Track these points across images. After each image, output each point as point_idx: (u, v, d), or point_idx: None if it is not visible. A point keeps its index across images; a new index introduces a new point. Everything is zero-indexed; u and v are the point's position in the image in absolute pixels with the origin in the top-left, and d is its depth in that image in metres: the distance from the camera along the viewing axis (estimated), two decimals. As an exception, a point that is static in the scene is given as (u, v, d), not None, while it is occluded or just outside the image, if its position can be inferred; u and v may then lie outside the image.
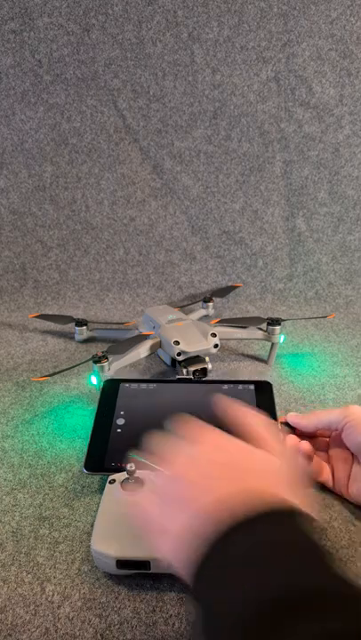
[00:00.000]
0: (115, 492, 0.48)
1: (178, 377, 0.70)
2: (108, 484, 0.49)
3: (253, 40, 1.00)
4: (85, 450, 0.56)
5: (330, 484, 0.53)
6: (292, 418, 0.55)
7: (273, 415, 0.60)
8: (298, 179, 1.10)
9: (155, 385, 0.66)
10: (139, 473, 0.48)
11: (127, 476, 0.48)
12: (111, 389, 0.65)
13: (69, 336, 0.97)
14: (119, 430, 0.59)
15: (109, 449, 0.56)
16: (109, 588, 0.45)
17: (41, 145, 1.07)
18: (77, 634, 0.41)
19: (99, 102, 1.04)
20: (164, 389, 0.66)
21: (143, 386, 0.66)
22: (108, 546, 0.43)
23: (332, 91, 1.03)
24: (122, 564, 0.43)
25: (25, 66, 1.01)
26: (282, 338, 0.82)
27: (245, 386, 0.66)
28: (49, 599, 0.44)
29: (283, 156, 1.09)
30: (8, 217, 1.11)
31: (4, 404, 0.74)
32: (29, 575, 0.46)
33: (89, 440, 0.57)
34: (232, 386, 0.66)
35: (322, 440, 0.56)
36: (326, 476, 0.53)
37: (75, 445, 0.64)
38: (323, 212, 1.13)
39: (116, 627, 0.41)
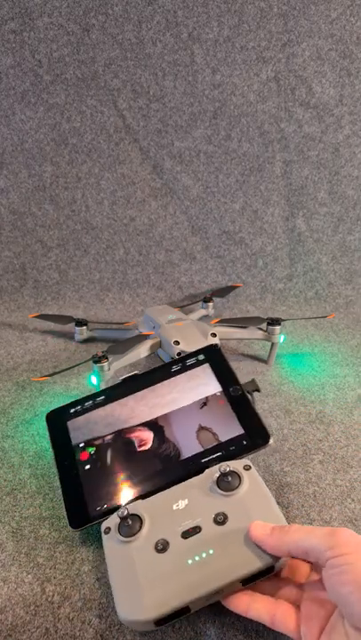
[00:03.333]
0: (115, 543, 0.42)
1: (122, 378, 0.61)
2: (104, 535, 0.44)
3: (253, 40, 1.00)
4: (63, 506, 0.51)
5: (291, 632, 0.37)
6: (257, 531, 0.39)
7: (233, 378, 0.57)
8: (298, 179, 1.10)
9: (102, 397, 0.59)
10: (132, 509, 0.44)
11: (120, 520, 0.43)
12: (58, 424, 0.58)
13: (69, 336, 0.97)
14: (87, 467, 0.53)
15: (86, 493, 0.50)
16: (110, 588, 0.45)
17: (41, 145, 1.07)
18: (77, 634, 0.41)
19: (99, 102, 1.04)
20: (114, 396, 0.59)
21: (89, 403, 0.59)
22: (139, 610, 0.37)
23: (332, 91, 1.03)
24: (161, 621, 0.38)
25: (25, 66, 1.01)
26: (282, 338, 0.82)
27: (194, 358, 0.61)
28: (49, 599, 0.44)
29: (283, 156, 1.09)
30: (8, 217, 1.11)
31: (4, 403, 0.74)
32: (29, 575, 0.46)
33: (62, 494, 0.51)
34: (180, 365, 0.60)
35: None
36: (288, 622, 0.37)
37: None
38: (323, 212, 1.13)
39: (116, 627, 0.41)
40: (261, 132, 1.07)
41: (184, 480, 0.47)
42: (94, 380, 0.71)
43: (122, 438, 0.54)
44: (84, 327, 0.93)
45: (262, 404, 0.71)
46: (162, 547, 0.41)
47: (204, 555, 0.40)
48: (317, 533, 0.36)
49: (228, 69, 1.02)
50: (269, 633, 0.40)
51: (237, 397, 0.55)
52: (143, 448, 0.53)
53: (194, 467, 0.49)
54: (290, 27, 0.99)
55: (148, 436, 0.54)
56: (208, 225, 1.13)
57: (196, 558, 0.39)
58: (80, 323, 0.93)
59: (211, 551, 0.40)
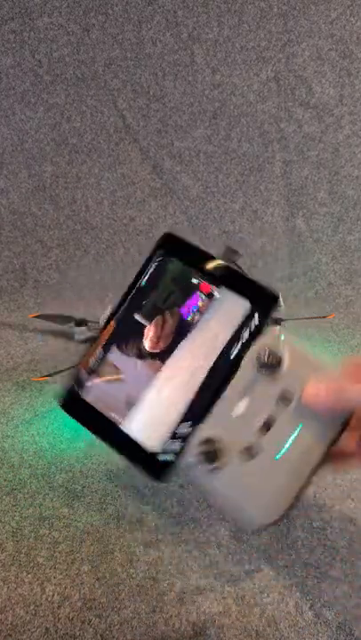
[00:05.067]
0: (203, 473, 0.39)
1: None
2: (188, 473, 0.40)
3: (253, 40, 1.00)
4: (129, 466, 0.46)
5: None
6: (311, 399, 0.38)
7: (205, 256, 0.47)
8: (298, 179, 1.10)
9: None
10: (202, 435, 0.39)
11: (197, 452, 0.39)
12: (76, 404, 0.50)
13: (69, 336, 0.97)
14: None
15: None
16: (110, 588, 0.45)
17: (41, 145, 1.07)
18: (77, 634, 0.41)
19: (99, 102, 1.04)
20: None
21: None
22: (267, 511, 0.37)
23: (332, 91, 1.03)
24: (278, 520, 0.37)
25: (25, 66, 1.01)
26: (282, 338, 0.82)
27: (155, 263, 0.48)
28: (49, 599, 0.44)
29: (283, 156, 1.09)
30: (8, 217, 1.11)
31: (3, 404, 0.74)
32: (29, 575, 0.46)
33: (126, 459, 0.45)
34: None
35: None
36: None
37: (75, 445, 0.64)
38: (323, 212, 1.13)
39: (116, 627, 0.41)
40: (261, 132, 1.07)
41: (225, 384, 0.41)
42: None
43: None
44: (84, 327, 0.93)
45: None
46: (248, 454, 0.38)
47: (288, 442, 0.37)
48: None
49: (228, 69, 1.02)
50: (270, 633, 0.40)
51: (221, 274, 0.46)
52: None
53: (226, 367, 0.43)
54: (290, 27, 0.99)
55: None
56: (208, 225, 1.13)
57: (284, 449, 0.37)
58: (80, 323, 0.93)
59: (292, 436, 0.37)
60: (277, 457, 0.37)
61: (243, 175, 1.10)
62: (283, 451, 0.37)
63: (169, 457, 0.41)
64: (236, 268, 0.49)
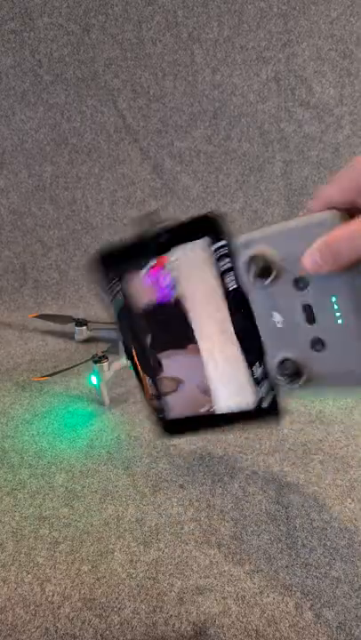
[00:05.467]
0: (304, 387, 0.37)
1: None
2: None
3: (253, 40, 1.00)
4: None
5: None
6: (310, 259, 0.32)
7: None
8: (298, 179, 1.10)
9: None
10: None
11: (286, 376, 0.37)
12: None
13: (69, 336, 0.97)
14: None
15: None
16: (110, 588, 0.45)
17: (41, 145, 1.07)
18: (77, 634, 0.41)
19: (99, 102, 1.04)
20: None
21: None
22: None
23: (332, 91, 1.03)
24: None
25: (25, 66, 1.01)
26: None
27: None
28: (49, 599, 0.44)
29: (283, 156, 1.09)
30: (8, 217, 1.11)
31: (3, 404, 0.74)
32: (29, 575, 0.46)
33: (242, 426, 0.45)
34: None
35: None
36: None
37: (75, 445, 0.64)
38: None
39: (116, 627, 0.41)
40: (261, 132, 1.07)
41: (250, 311, 0.39)
42: (94, 379, 0.71)
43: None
44: (84, 327, 0.93)
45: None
46: (318, 346, 0.36)
47: (336, 306, 0.34)
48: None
49: (228, 69, 1.02)
50: (270, 633, 0.40)
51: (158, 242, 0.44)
52: None
53: (238, 298, 0.40)
54: (290, 27, 0.99)
55: None
56: (208, 225, 1.13)
57: (337, 313, 0.34)
58: (80, 323, 0.93)
59: (334, 298, 0.34)
60: (341, 322, 0.34)
61: (243, 175, 1.10)
62: (336, 313, 0.34)
63: (269, 399, 0.42)
64: (163, 226, 0.44)
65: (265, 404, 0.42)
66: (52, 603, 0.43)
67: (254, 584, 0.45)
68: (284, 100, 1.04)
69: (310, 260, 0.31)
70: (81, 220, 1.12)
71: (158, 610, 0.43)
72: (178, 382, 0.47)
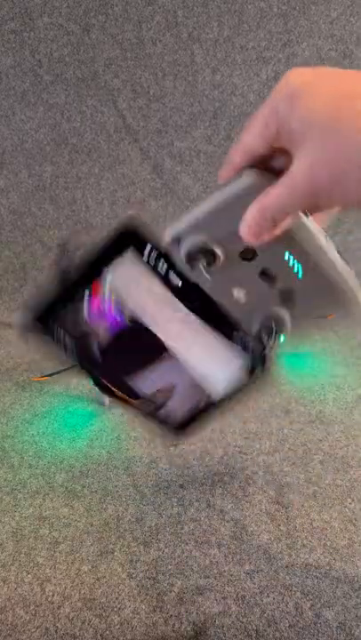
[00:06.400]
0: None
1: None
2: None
3: (253, 40, 1.00)
4: None
5: None
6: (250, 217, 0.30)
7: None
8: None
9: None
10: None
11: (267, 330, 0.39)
12: None
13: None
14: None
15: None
16: (110, 588, 0.45)
17: (41, 145, 1.07)
18: (77, 634, 0.41)
19: (99, 102, 1.04)
20: None
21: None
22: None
23: (332, 91, 1.03)
24: None
25: (25, 66, 1.01)
26: (282, 337, 0.82)
27: None
28: (49, 599, 0.44)
29: (283, 156, 1.09)
30: (8, 217, 1.11)
31: (3, 404, 0.74)
32: (29, 575, 0.46)
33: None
34: None
35: None
36: None
37: (75, 445, 0.64)
38: (322, 212, 1.13)
39: (116, 627, 0.41)
40: (261, 132, 1.07)
41: (210, 297, 0.39)
42: (94, 379, 0.71)
43: None
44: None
45: (262, 404, 0.71)
46: (287, 299, 0.37)
47: (292, 263, 0.35)
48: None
49: (228, 69, 1.02)
50: (270, 633, 0.40)
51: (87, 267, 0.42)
52: None
53: (192, 290, 0.39)
54: (290, 27, 0.99)
55: None
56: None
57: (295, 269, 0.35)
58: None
59: (288, 257, 0.35)
60: (300, 276, 0.35)
61: (243, 175, 1.10)
62: (295, 265, 0.34)
63: (257, 356, 0.41)
64: (82, 252, 0.43)
65: (256, 364, 0.42)
66: (52, 603, 0.43)
67: (254, 584, 0.45)
68: (284, 100, 1.04)
69: (249, 233, 0.30)
70: (81, 220, 1.12)
71: (158, 610, 0.43)
72: (170, 389, 0.47)
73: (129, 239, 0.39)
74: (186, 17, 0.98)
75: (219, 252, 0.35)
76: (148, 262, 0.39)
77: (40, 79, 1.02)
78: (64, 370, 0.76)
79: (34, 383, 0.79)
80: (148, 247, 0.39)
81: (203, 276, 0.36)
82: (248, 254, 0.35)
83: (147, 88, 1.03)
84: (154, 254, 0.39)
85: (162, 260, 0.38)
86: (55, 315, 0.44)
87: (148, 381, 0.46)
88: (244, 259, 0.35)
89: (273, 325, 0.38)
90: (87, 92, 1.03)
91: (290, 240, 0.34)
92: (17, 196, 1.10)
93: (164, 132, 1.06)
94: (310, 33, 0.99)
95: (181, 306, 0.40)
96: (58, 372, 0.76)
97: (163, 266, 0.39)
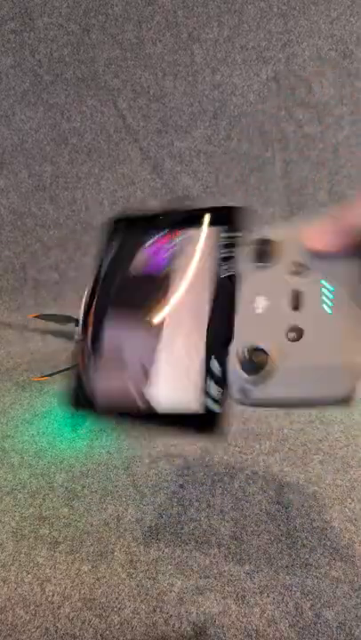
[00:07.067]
0: (262, 386, 0.33)
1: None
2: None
3: (253, 40, 1.00)
4: None
5: None
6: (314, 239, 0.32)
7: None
8: (298, 179, 1.10)
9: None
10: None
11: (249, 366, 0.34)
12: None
13: (69, 336, 0.97)
14: None
15: None
16: (110, 588, 0.45)
17: (41, 145, 1.07)
18: (77, 634, 0.41)
19: (99, 102, 1.04)
20: None
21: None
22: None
23: (332, 91, 1.03)
24: None
25: (25, 66, 1.01)
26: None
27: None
28: (49, 599, 0.44)
29: (283, 156, 1.09)
30: (8, 217, 1.11)
31: (3, 404, 0.74)
32: (29, 575, 0.46)
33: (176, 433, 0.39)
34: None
35: None
36: None
37: (75, 445, 0.64)
38: (323, 212, 1.12)
39: (116, 627, 0.41)
40: (261, 132, 1.07)
41: (232, 304, 0.37)
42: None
43: None
44: (84, 327, 0.93)
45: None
46: (294, 335, 0.32)
47: (325, 295, 0.33)
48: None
49: (228, 69, 1.02)
50: (270, 633, 0.40)
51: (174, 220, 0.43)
52: None
53: (225, 288, 0.39)
54: (290, 27, 0.99)
55: None
56: (208, 225, 1.13)
57: (326, 300, 0.32)
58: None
59: (325, 290, 0.32)
60: (330, 311, 0.31)
61: (243, 175, 1.10)
62: (326, 301, 0.32)
63: (215, 406, 0.35)
64: (186, 208, 0.43)
65: (211, 406, 0.35)
66: (52, 603, 0.43)
67: (254, 584, 0.45)
68: (284, 100, 1.04)
69: (318, 237, 0.30)
70: (81, 220, 1.12)
71: (158, 610, 0.43)
72: (120, 353, 0.41)
73: (227, 218, 0.39)
74: (186, 17, 0.98)
75: (277, 249, 0.34)
76: (220, 242, 0.39)
77: (40, 79, 1.02)
78: (64, 370, 0.76)
79: (34, 383, 0.79)
80: (232, 234, 0.38)
81: (249, 269, 0.35)
82: (298, 268, 0.33)
83: (147, 88, 1.03)
84: (229, 241, 0.38)
85: (232, 248, 0.38)
86: (127, 229, 0.45)
87: (114, 332, 0.42)
88: (293, 271, 0.33)
89: (256, 360, 0.33)
90: (87, 92, 1.03)
91: (349, 270, 0.31)
92: (17, 196, 1.10)
93: (164, 132, 1.06)
94: (310, 33, 0.99)
95: (208, 296, 0.38)
96: (58, 372, 0.76)
97: (226, 253, 0.38)
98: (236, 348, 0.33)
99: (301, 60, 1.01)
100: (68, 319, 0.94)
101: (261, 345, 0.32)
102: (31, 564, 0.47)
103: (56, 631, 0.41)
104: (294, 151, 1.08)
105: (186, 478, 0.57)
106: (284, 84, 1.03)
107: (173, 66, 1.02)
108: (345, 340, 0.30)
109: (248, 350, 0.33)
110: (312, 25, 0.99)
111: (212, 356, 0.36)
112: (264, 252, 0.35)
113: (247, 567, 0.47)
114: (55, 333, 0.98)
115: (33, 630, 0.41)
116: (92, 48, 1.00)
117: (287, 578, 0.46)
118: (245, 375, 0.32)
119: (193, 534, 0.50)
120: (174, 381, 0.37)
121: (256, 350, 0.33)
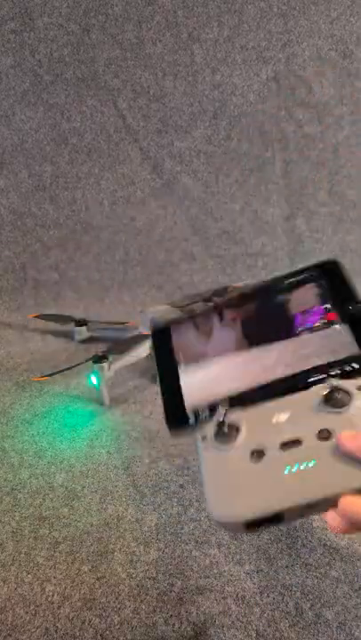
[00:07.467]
0: (210, 450, 0.40)
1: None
2: (200, 442, 0.41)
3: (253, 40, 1.00)
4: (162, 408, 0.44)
5: None
6: (348, 442, 0.36)
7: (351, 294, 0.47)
8: (298, 179, 1.10)
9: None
10: (230, 417, 0.40)
11: (217, 427, 0.40)
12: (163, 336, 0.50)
13: (69, 336, 0.97)
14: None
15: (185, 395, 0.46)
16: (110, 588, 0.45)
17: (41, 145, 1.07)
18: (77, 634, 0.41)
19: (99, 102, 1.04)
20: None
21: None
22: (231, 512, 0.37)
23: (332, 91, 1.03)
24: (252, 525, 0.36)
25: (25, 66, 1.01)
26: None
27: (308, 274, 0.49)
28: (49, 599, 0.44)
29: (283, 156, 1.09)
30: (8, 217, 1.11)
31: (3, 403, 0.74)
32: (29, 575, 0.46)
33: (162, 394, 0.45)
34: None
35: None
36: None
37: (75, 445, 0.64)
38: (323, 212, 1.13)
39: (116, 627, 0.41)
40: (261, 132, 1.07)
41: (288, 394, 0.41)
42: (94, 379, 0.71)
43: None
44: (84, 327, 0.93)
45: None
46: (258, 455, 0.37)
47: (303, 465, 0.36)
48: None
49: (228, 69, 1.02)
50: (270, 633, 0.40)
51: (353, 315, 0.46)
52: None
53: (300, 382, 0.43)
54: (290, 27, 0.99)
55: None
56: (208, 225, 1.13)
57: (295, 468, 0.36)
58: (80, 323, 0.93)
59: (311, 463, 0.36)
60: (284, 472, 0.36)
61: (243, 175, 1.10)
62: (286, 471, 0.36)
63: (191, 420, 0.41)
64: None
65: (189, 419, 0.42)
66: (52, 603, 0.43)
67: (254, 584, 0.45)
68: (284, 100, 1.04)
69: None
70: (81, 220, 1.12)
71: (158, 610, 0.43)
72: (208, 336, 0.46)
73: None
74: (186, 17, 0.98)
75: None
76: (341, 362, 0.42)
77: (40, 79, 1.02)
78: (64, 370, 0.76)
79: (34, 383, 0.79)
80: (358, 366, 0.41)
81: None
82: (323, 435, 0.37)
83: (147, 88, 1.03)
84: (347, 369, 0.42)
85: (340, 376, 0.42)
86: None
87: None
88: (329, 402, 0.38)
89: (224, 434, 0.38)
90: (87, 92, 1.03)
91: None
92: (17, 196, 1.10)
93: (164, 132, 1.06)
94: (310, 33, 0.99)
95: (291, 370, 0.42)
96: (58, 372, 0.76)
97: (335, 372, 0.42)
98: (232, 416, 0.39)
99: (301, 60, 1.01)
100: (67, 319, 0.94)
101: (241, 434, 0.37)
102: (31, 564, 0.47)
103: (56, 631, 0.41)
104: (294, 151, 1.08)
105: (186, 478, 0.57)
106: (284, 84, 1.03)
107: (173, 66, 1.02)
108: (272, 494, 0.35)
109: (232, 425, 0.38)
110: (312, 25, 0.99)
111: (231, 402, 0.41)
112: (333, 404, 0.38)
113: (247, 567, 0.47)
114: (55, 333, 0.98)
115: (33, 630, 0.41)
116: (92, 48, 1.00)
117: (287, 578, 0.46)
118: (214, 430, 0.38)
119: (193, 534, 0.50)
120: (204, 382, 0.43)
121: (234, 429, 0.38)
